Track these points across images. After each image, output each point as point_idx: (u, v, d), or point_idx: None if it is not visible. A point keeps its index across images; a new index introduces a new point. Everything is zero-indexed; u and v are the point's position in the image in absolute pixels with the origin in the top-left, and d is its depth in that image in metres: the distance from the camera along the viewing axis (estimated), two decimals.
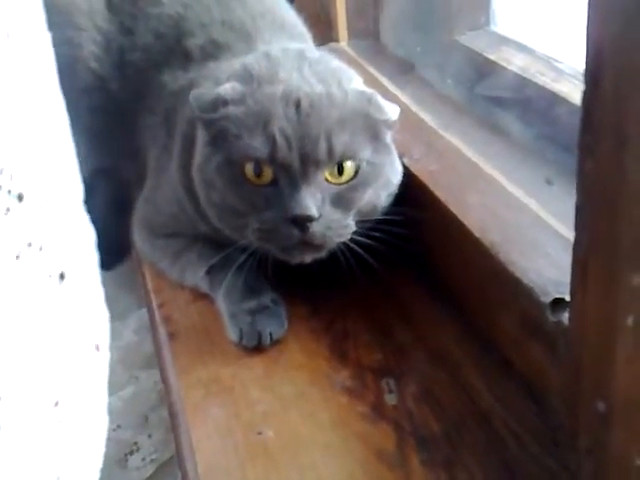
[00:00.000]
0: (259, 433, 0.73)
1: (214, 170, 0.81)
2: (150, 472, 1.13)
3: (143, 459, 1.13)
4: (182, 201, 0.92)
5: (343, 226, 0.79)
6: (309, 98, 0.78)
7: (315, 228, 0.76)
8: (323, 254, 0.81)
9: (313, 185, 0.77)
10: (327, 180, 0.78)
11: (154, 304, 0.94)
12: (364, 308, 0.87)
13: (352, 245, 0.80)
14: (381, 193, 0.81)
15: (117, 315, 1.17)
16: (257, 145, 0.77)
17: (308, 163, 0.76)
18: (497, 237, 0.73)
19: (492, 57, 1.03)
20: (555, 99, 0.88)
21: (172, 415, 0.78)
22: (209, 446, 0.72)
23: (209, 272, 0.91)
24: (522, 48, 1.04)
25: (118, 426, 1.13)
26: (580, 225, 0.51)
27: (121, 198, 1.12)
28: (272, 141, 0.76)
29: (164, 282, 0.97)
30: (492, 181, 0.82)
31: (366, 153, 0.79)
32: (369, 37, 1.29)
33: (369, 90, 0.83)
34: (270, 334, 0.83)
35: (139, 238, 1.02)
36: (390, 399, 0.75)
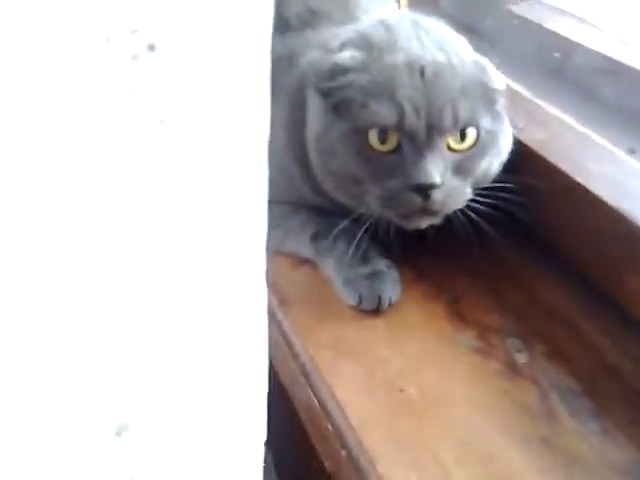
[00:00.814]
0: (401, 390, 0.75)
1: (337, 138, 0.82)
2: None
3: None
4: (289, 171, 0.93)
5: (461, 193, 0.81)
6: (432, 66, 0.80)
7: (437, 196, 0.78)
8: (439, 220, 0.83)
9: (437, 153, 0.79)
10: (449, 148, 0.80)
11: None
12: (472, 272, 0.89)
13: (467, 211, 0.82)
14: (494, 161, 0.84)
15: None
16: (385, 112, 0.79)
17: (433, 131, 0.78)
18: (628, 204, 0.76)
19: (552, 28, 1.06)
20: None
21: (304, 375, 0.79)
22: (357, 402, 0.74)
23: (314, 238, 0.92)
24: (579, 19, 1.08)
25: None
26: None
27: None
28: (400, 108, 0.78)
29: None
30: (603, 148, 0.85)
31: (485, 121, 0.82)
32: (428, 3, 1.30)
33: (482, 58, 0.86)
34: (389, 297, 0.85)
35: None
36: (520, 357, 0.78)
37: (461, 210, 0.83)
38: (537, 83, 1.02)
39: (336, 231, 0.88)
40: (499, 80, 0.85)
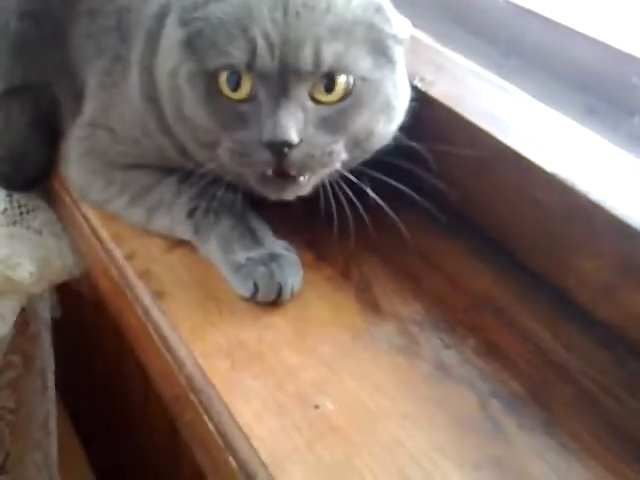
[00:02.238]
0: (316, 407, 0.62)
1: (186, 79, 0.69)
2: None
3: None
4: (144, 119, 0.77)
5: (327, 153, 0.67)
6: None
7: (294, 155, 0.65)
8: (305, 191, 0.70)
9: (295, 103, 0.65)
10: (314, 99, 0.67)
11: (118, 255, 0.77)
12: (380, 254, 0.77)
13: (343, 185, 0.69)
14: (379, 117, 0.70)
15: None
16: (234, 50, 0.65)
17: (290, 75, 0.65)
18: (564, 169, 0.66)
19: None
20: None
21: (193, 391, 0.64)
22: (264, 428, 0.60)
23: (191, 214, 0.76)
24: None
25: None
26: None
27: (46, 119, 0.91)
28: (252, 45, 0.64)
29: (123, 227, 0.80)
30: (534, 105, 0.74)
31: (363, 68, 0.68)
32: None
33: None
34: (291, 286, 0.71)
35: (78, 172, 0.84)
36: (450, 356, 0.66)
37: (348, 182, 0.69)
38: (445, 31, 0.89)
39: (216, 204, 0.73)
40: (399, 25, 0.72)
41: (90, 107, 0.83)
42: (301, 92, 0.65)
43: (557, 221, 0.67)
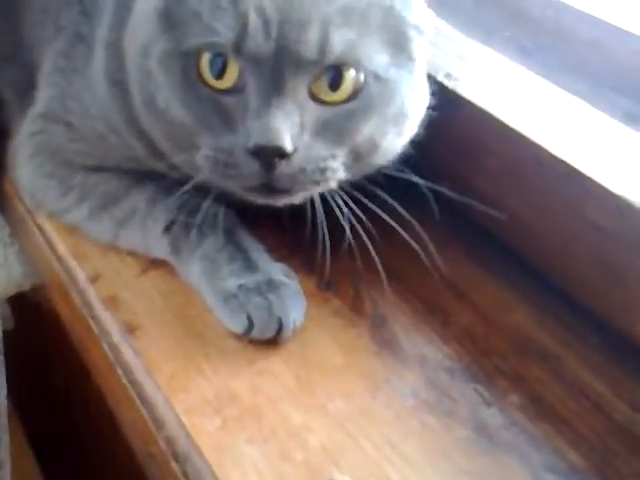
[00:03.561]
0: None
1: (157, 60, 0.56)
2: None
3: None
4: (111, 110, 0.63)
5: (321, 169, 0.55)
6: None
7: (285, 168, 0.53)
8: (296, 200, 0.58)
9: (290, 99, 0.53)
10: (314, 96, 0.54)
11: (80, 277, 0.64)
12: (394, 281, 0.64)
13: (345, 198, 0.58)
14: (389, 128, 0.58)
15: None
16: (220, 27, 0.52)
17: (287, 61, 0.52)
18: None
19: None
20: None
21: (176, 459, 0.51)
22: None
23: (169, 229, 0.63)
24: None
25: None
26: None
27: None
28: (242, 21, 0.52)
29: (86, 241, 0.67)
30: (578, 105, 0.63)
31: (377, 63, 0.55)
32: None
33: None
34: (293, 321, 0.58)
35: (29, 175, 0.70)
36: (492, 416, 0.54)
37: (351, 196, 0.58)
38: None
39: (200, 217, 0.60)
40: (422, 14, 0.59)
41: (44, 96, 0.69)
42: (300, 86, 0.53)
43: (622, 251, 0.55)
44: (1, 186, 0.76)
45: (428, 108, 0.61)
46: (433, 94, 0.62)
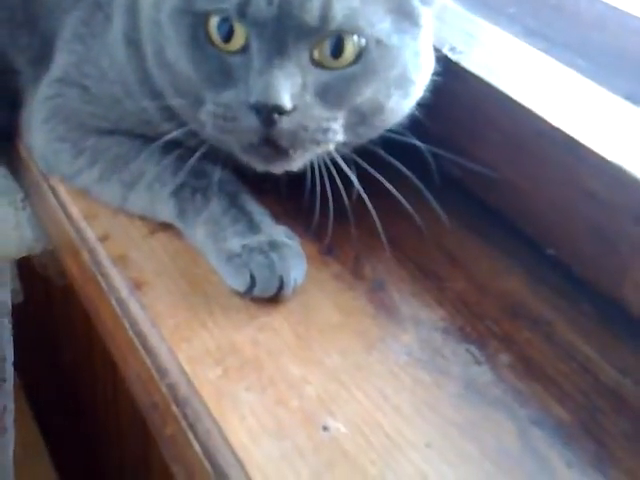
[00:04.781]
0: (325, 428, 0.51)
1: (168, 15, 0.58)
2: None
3: None
4: (127, 72, 0.65)
5: (322, 129, 0.57)
6: None
7: (284, 124, 0.55)
8: (296, 166, 0.60)
9: (292, 61, 0.55)
10: (316, 61, 0.56)
11: (90, 236, 0.66)
12: (393, 248, 0.66)
13: (341, 165, 0.60)
14: (392, 91, 0.60)
15: None
16: None
17: (289, 26, 0.54)
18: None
19: None
20: None
21: (177, 403, 0.53)
22: (260, 453, 0.49)
23: (176, 193, 0.65)
24: None
25: None
26: None
27: (2, 87, 0.79)
28: None
29: (97, 203, 0.69)
30: (580, 81, 0.64)
31: (380, 29, 0.57)
32: None
33: None
34: (294, 278, 0.60)
35: (43, 139, 0.72)
36: (481, 373, 0.56)
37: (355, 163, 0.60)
38: None
39: (205, 182, 0.64)
40: None
41: (61, 62, 0.71)
42: (302, 51, 0.55)
43: (613, 218, 0.57)
44: (16, 151, 0.79)
45: (434, 74, 0.63)
46: (438, 61, 0.63)
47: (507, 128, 0.63)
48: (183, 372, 0.54)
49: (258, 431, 0.50)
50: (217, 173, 0.64)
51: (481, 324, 0.60)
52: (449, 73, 0.64)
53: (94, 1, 0.69)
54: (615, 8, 0.71)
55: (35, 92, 0.73)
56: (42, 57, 0.74)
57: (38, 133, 0.72)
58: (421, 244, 0.65)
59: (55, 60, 0.72)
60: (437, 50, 0.64)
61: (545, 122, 0.59)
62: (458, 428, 0.52)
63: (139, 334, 0.58)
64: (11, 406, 1.09)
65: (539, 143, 0.60)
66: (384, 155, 0.60)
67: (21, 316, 1.07)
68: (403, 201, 0.61)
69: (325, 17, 0.54)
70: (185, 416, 0.52)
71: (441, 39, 0.67)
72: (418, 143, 0.61)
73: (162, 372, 0.55)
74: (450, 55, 0.67)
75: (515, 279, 0.63)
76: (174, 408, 0.53)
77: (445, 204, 0.64)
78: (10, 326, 1.05)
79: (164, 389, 0.54)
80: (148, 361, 0.56)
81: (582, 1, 0.74)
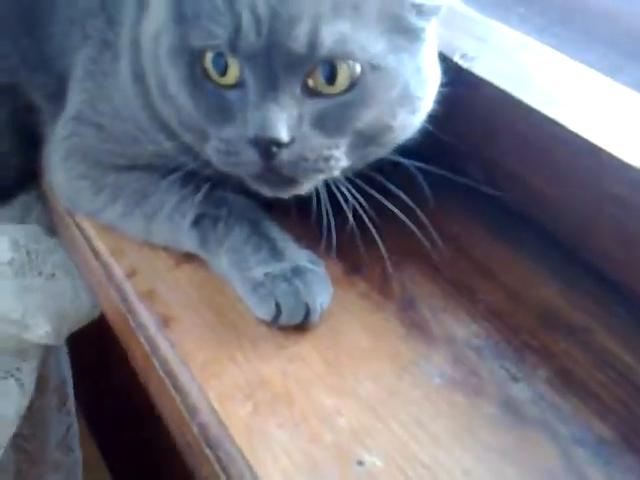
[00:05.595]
0: (360, 463, 0.50)
1: (166, 52, 0.58)
2: None
3: None
4: (136, 108, 0.65)
5: (324, 158, 0.56)
6: None
7: (284, 156, 0.55)
8: (303, 191, 0.59)
9: (286, 93, 0.54)
10: (311, 89, 0.55)
11: (118, 272, 0.66)
12: (421, 262, 0.64)
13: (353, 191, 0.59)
14: (397, 110, 0.58)
15: None
16: (217, 28, 0.54)
17: (279, 56, 0.53)
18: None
19: None
20: None
21: (208, 444, 0.52)
22: None
23: (197, 223, 0.65)
24: None
25: None
26: None
27: (22, 124, 0.80)
28: (237, 21, 0.53)
29: (122, 238, 0.69)
30: (602, 82, 0.62)
31: (374, 53, 0.55)
32: None
33: None
34: (320, 304, 0.59)
35: (64, 178, 0.72)
36: (519, 391, 0.54)
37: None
38: None
39: (226, 210, 0.64)
40: None
41: (75, 100, 0.71)
42: (294, 81, 0.54)
43: None
44: (40, 190, 0.79)
45: (441, 85, 0.61)
46: (449, 70, 0.61)
47: (527, 135, 0.61)
48: (213, 411, 0.54)
49: (292, 471, 0.50)
50: (237, 201, 0.64)
51: (516, 338, 0.58)
52: (462, 82, 0.61)
53: (101, 39, 0.69)
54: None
55: (53, 130, 0.73)
56: (59, 93, 0.74)
57: (58, 172, 0.72)
58: (451, 258, 0.64)
59: (69, 98, 0.72)
60: (448, 59, 0.62)
61: (564, 128, 0.57)
62: (497, 452, 0.51)
63: (169, 374, 0.57)
64: (75, 426, 1.08)
65: (561, 149, 0.58)
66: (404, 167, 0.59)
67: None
68: (422, 216, 0.59)
69: (313, 44, 0.53)
70: (218, 459, 0.51)
71: (451, 46, 0.65)
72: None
73: (192, 412, 0.54)
74: (461, 63, 0.64)
75: (548, 287, 0.62)
76: (207, 450, 0.52)
77: (472, 215, 0.62)
78: (65, 351, 1.05)
79: (195, 429, 0.54)
80: (178, 400, 0.56)
81: None
